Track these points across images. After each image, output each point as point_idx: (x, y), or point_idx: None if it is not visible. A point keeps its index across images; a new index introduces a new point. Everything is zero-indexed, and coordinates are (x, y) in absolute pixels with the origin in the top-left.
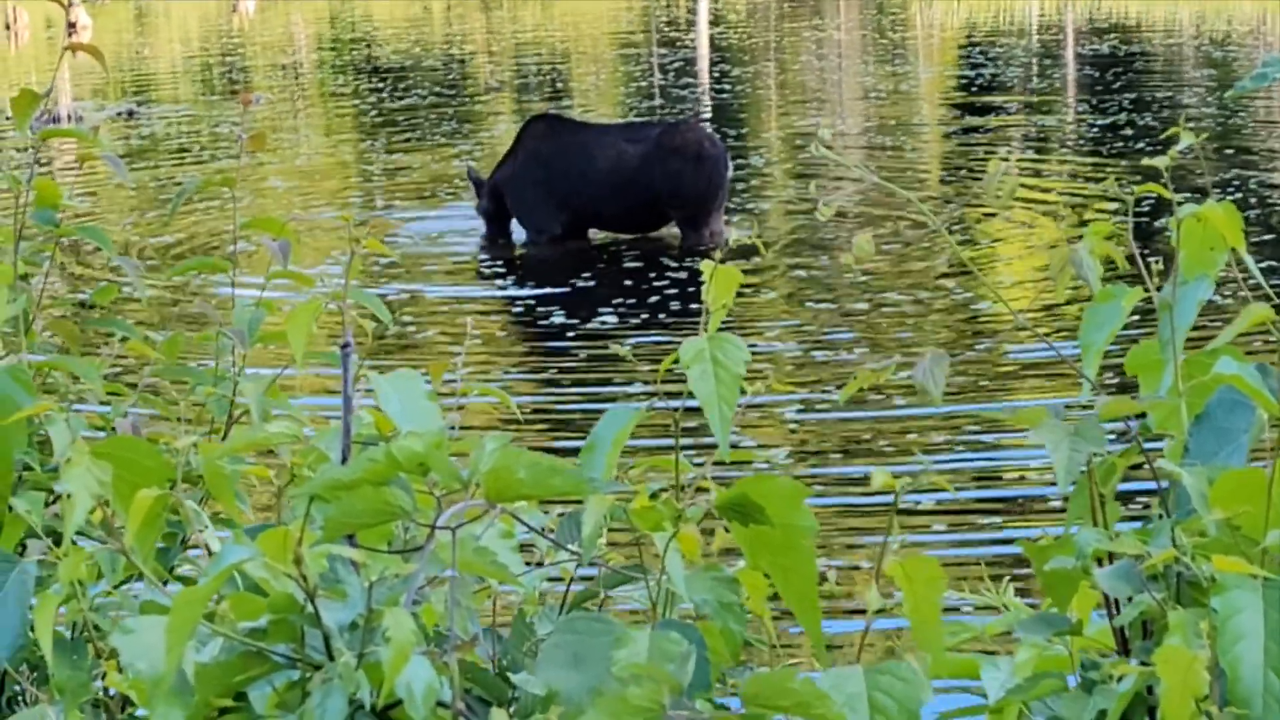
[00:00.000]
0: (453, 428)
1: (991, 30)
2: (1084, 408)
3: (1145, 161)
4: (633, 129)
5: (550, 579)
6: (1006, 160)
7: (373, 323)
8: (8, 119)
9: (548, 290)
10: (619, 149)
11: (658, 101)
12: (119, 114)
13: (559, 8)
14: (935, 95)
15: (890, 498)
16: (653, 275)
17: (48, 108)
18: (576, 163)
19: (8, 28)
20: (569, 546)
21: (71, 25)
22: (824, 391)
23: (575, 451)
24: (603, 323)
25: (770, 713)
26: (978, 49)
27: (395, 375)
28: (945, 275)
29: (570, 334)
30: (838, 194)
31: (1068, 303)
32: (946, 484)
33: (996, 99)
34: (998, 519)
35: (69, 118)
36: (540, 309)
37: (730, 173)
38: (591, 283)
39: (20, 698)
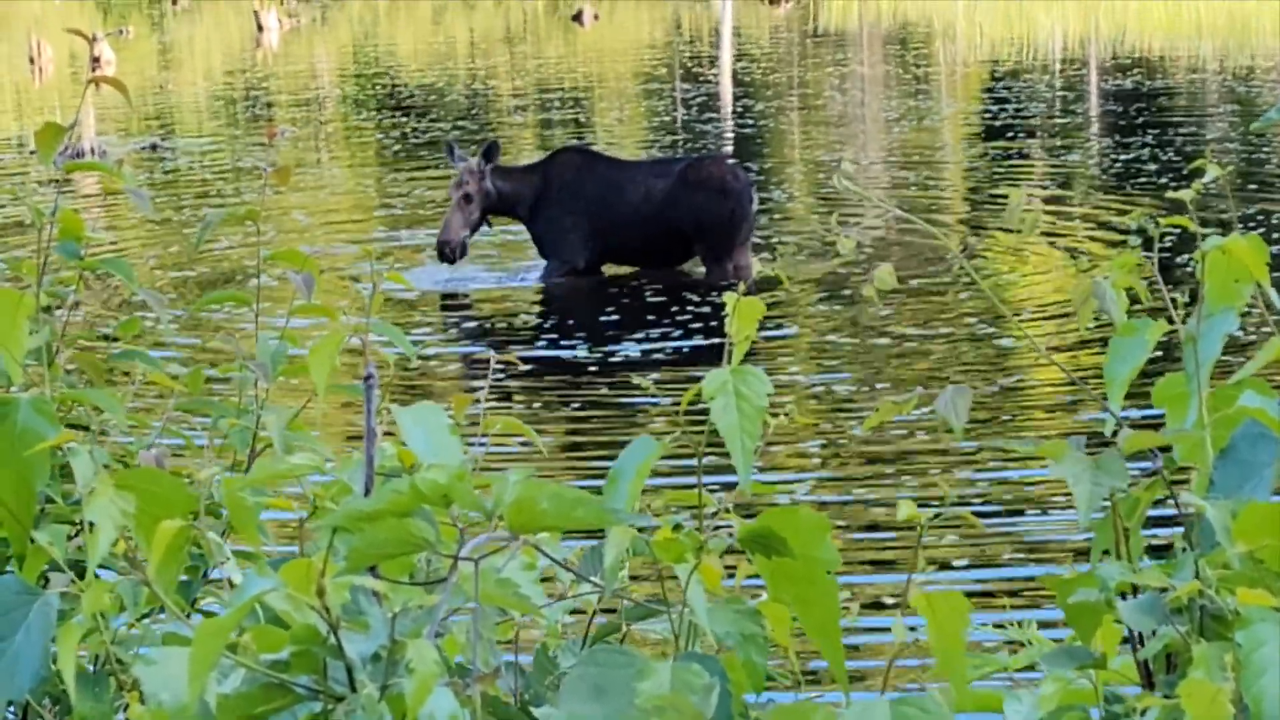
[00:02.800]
0: (475, 462)
1: (1015, 65)
2: (1107, 442)
3: (1170, 194)
4: (659, 164)
5: (573, 611)
6: (1031, 197)
7: (396, 355)
8: (32, 152)
9: (571, 323)
10: (646, 184)
11: (681, 136)
12: (142, 148)
13: (582, 42)
14: (958, 130)
15: (914, 530)
16: (675, 309)
17: (72, 141)
18: (608, 196)
19: (32, 61)
20: (591, 579)
21: (95, 59)
22: (847, 425)
23: (598, 485)
24: (626, 356)
25: None
26: (1001, 84)
27: (417, 408)
28: (966, 309)
29: (593, 367)
30: (858, 228)
31: (1083, 342)
32: (970, 516)
33: (1019, 134)
34: (1021, 552)
35: (93, 151)
36: (564, 342)
37: (755, 206)
38: (615, 316)
39: None
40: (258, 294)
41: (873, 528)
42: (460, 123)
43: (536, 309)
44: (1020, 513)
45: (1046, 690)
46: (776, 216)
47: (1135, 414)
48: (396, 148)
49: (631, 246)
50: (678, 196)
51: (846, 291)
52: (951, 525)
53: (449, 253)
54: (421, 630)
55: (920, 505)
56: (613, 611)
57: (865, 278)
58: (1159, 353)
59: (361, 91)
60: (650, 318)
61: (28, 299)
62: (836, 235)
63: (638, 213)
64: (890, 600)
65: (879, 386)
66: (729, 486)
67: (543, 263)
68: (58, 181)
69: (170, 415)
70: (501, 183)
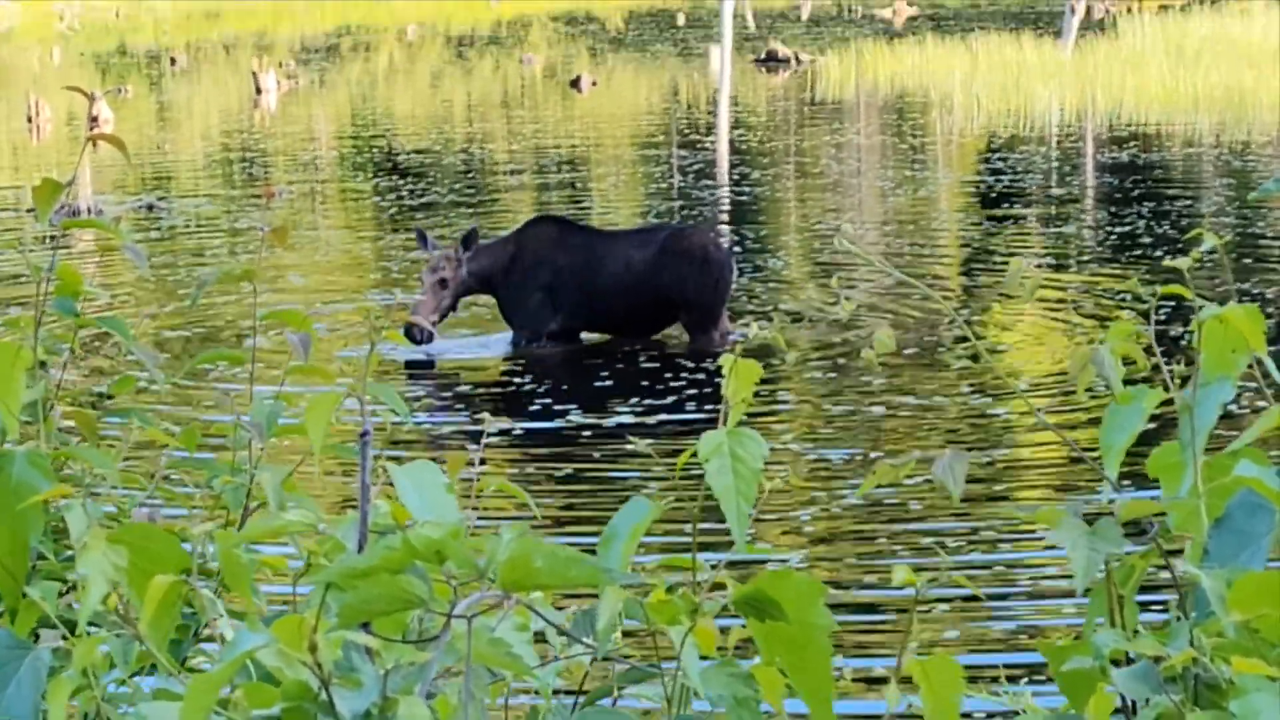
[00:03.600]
0: (469, 522)
1: (1011, 137)
2: (1103, 510)
3: (1167, 263)
4: (639, 233)
5: (565, 673)
6: (1034, 267)
7: (392, 415)
8: (29, 210)
9: (565, 389)
10: (627, 254)
11: (677, 203)
12: (139, 207)
13: (580, 107)
14: (954, 200)
15: (907, 597)
16: (669, 376)
17: (69, 199)
18: (586, 266)
19: (30, 120)
20: (584, 640)
21: (94, 118)
22: (841, 490)
23: (592, 548)
24: (620, 422)
25: None
26: (997, 155)
27: (412, 466)
28: (962, 377)
29: (587, 432)
30: (855, 294)
31: (1079, 409)
32: (966, 581)
33: (1016, 204)
34: (1015, 620)
35: (89, 210)
36: (557, 407)
37: (735, 275)
38: (609, 382)
39: None
40: (253, 353)
41: (867, 591)
42: (456, 186)
43: (530, 375)
44: (1014, 582)
45: None
46: (773, 284)
47: (1129, 482)
48: (393, 210)
49: (612, 316)
50: (661, 267)
51: (842, 359)
52: (944, 587)
53: (418, 335)
54: (413, 688)
55: (915, 570)
56: (606, 673)
57: (862, 343)
58: (1153, 424)
59: (359, 154)
60: (644, 384)
61: (25, 352)
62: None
63: (619, 283)
64: (884, 666)
65: (874, 454)
66: (723, 549)
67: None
68: (55, 238)
69: (163, 473)
70: (475, 264)
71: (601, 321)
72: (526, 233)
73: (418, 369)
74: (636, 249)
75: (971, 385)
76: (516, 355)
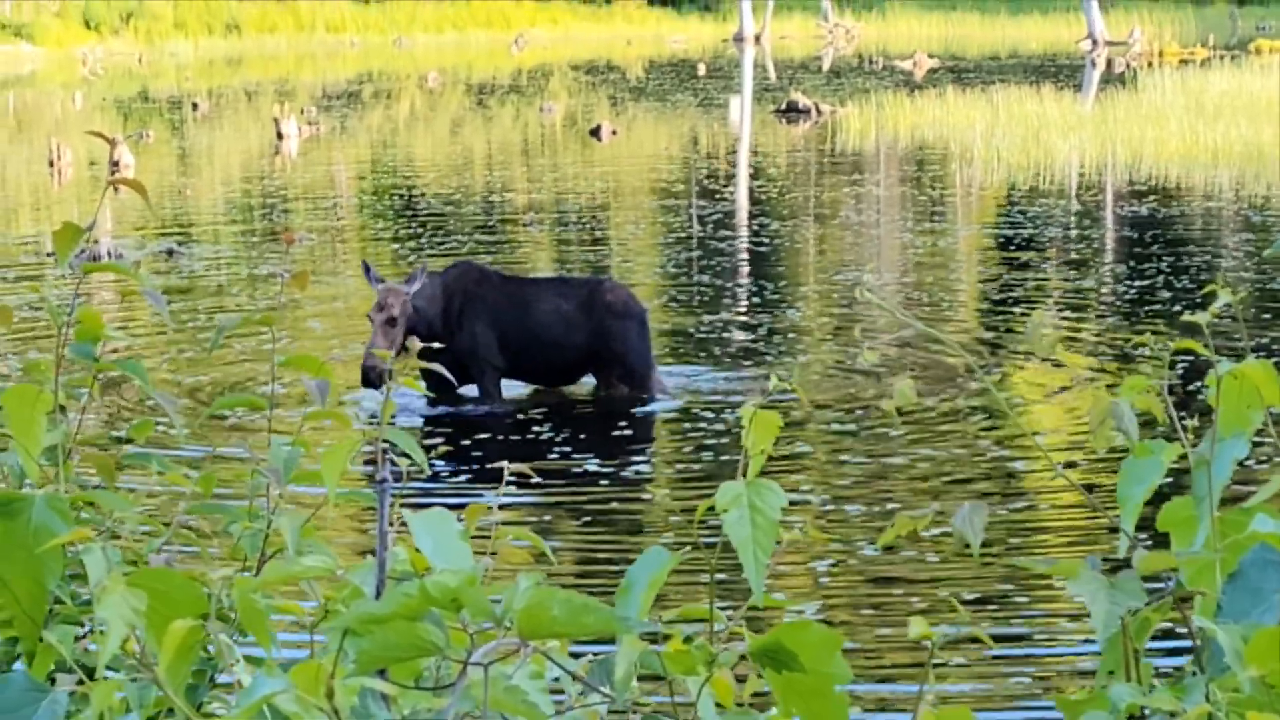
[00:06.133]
0: (486, 570)
1: (1031, 189)
2: (1120, 563)
3: (1185, 318)
4: (564, 283)
5: None
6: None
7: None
8: (49, 254)
9: (584, 436)
10: (553, 303)
11: (696, 253)
12: (159, 252)
13: (600, 156)
14: (973, 252)
15: (924, 649)
16: (687, 425)
17: (89, 244)
18: (516, 313)
19: (51, 164)
20: (601, 689)
21: (115, 163)
22: (860, 541)
23: (609, 597)
24: (638, 471)
25: None
26: (1016, 208)
27: (429, 514)
28: (980, 429)
29: (605, 480)
30: (876, 344)
31: (1097, 462)
32: (982, 634)
33: (1035, 257)
34: (1031, 673)
35: (109, 255)
36: (576, 455)
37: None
38: (628, 430)
39: None
40: (271, 399)
41: (884, 643)
42: (476, 234)
43: (549, 423)
44: (1029, 637)
45: None
46: (792, 335)
47: (1145, 535)
48: (413, 257)
49: (533, 365)
50: (585, 319)
51: (861, 410)
52: (960, 641)
53: (375, 378)
54: None
55: (931, 624)
56: None
57: (881, 395)
58: (1167, 479)
59: (379, 200)
60: (663, 433)
61: (45, 396)
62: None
63: (545, 332)
64: (900, 719)
65: (892, 505)
66: (740, 599)
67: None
68: (75, 283)
69: (181, 518)
70: (412, 314)
71: (524, 369)
72: (448, 275)
73: (436, 416)
74: (562, 299)
75: (990, 437)
76: (519, 402)
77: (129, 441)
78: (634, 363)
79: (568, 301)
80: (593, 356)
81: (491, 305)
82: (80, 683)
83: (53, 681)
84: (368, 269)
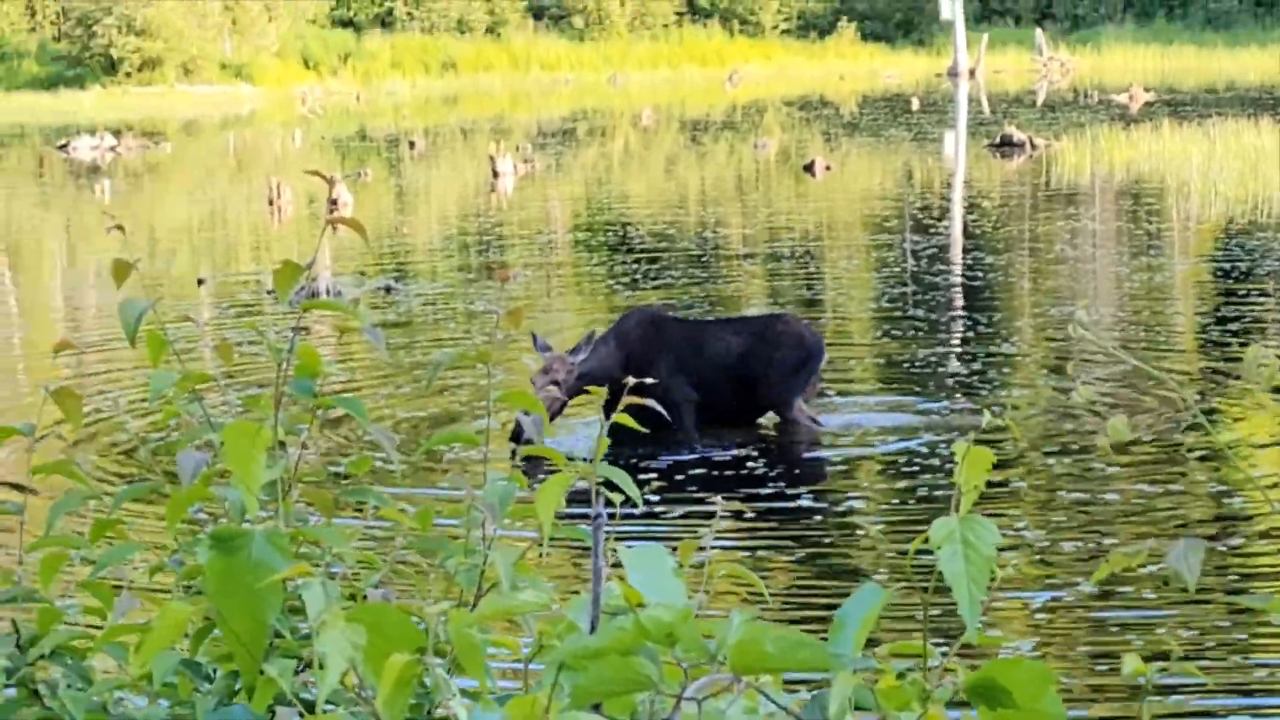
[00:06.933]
0: (699, 605)
1: (1249, 223)
2: None
3: None
4: (742, 321)
5: None
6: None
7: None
8: (269, 292)
9: (798, 471)
10: (731, 340)
11: (910, 288)
12: (377, 289)
13: (813, 192)
14: (1191, 287)
15: (1139, 686)
16: (902, 460)
17: (308, 281)
18: (696, 353)
19: (271, 202)
20: None
21: (333, 201)
22: (1074, 578)
23: (823, 633)
24: (850, 507)
25: None
26: (1234, 241)
27: (643, 549)
28: (1200, 464)
29: (817, 516)
30: (1091, 380)
31: None
32: (1197, 671)
33: (1253, 292)
34: (1249, 712)
35: (328, 292)
36: (789, 490)
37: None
38: (841, 465)
39: None
40: (487, 434)
41: (1098, 680)
42: (690, 270)
43: (764, 458)
44: (1248, 673)
45: None
46: (1004, 370)
47: None
48: (627, 294)
49: (720, 403)
50: (756, 352)
51: (1076, 446)
52: (1177, 677)
53: (521, 436)
54: None
55: (1146, 660)
56: None
57: (1095, 431)
58: None
59: (593, 237)
60: (877, 469)
61: (265, 432)
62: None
63: (727, 369)
64: None
65: (1107, 542)
66: (954, 635)
67: None
68: (295, 319)
69: (398, 554)
70: (585, 366)
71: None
72: (622, 327)
73: (649, 452)
74: (735, 336)
75: (1207, 473)
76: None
77: (347, 477)
78: (777, 386)
79: (745, 338)
80: (759, 390)
81: (672, 348)
82: (300, 716)
83: (273, 715)
84: (535, 338)
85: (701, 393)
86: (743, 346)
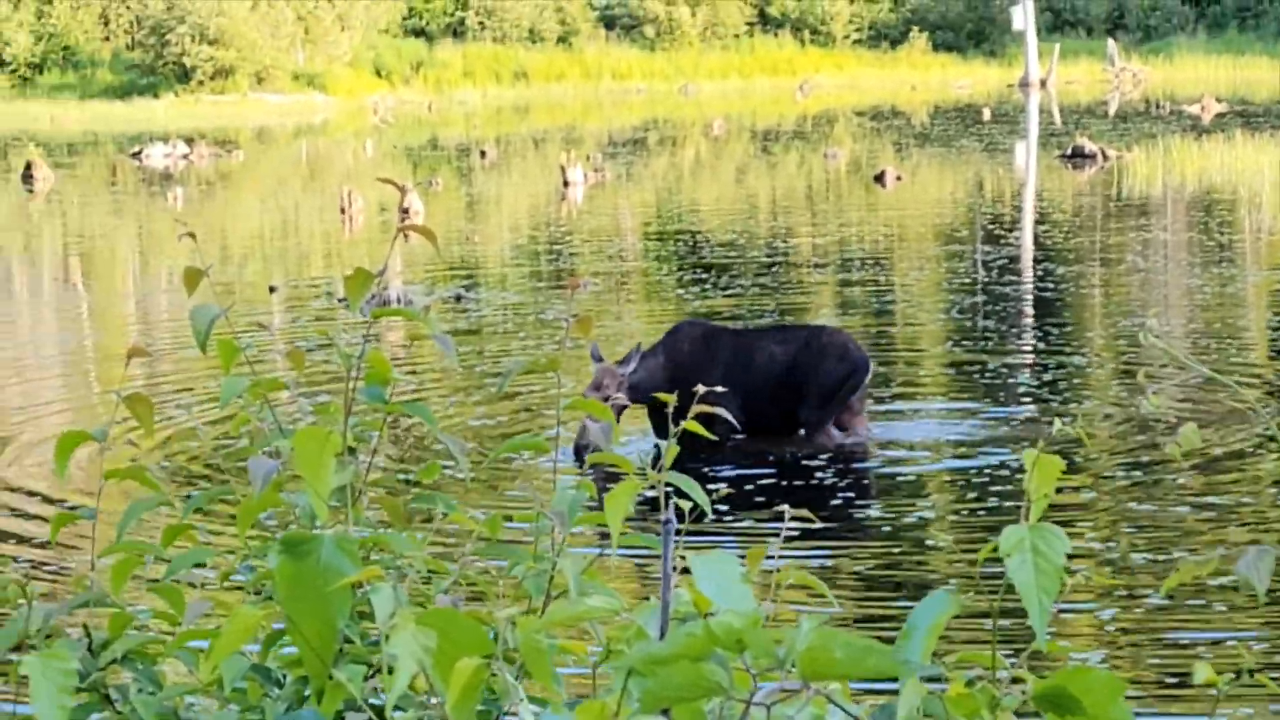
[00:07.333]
0: (768, 613)
1: None
2: None
3: None
4: (786, 330)
5: None
6: None
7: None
8: (340, 299)
9: (864, 482)
10: (775, 350)
11: (981, 298)
12: (447, 297)
13: (884, 202)
14: (1263, 298)
15: (1210, 696)
16: (972, 470)
17: (379, 289)
18: (743, 364)
19: (343, 210)
20: None
21: (404, 209)
22: (1144, 588)
23: (891, 640)
24: (919, 516)
25: None
26: None
27: (711, 555)
28: (1268, 474)
29: (885, 525)
30: (1160, 392)
31: None
32: (1270, 681)
33: None
34: None
35: (399, 300)
36: (858, 500)
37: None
38: (911, 476)
39: None
40: (557, 442)
41: (1168, 690)
42: (760, 279)
43: (832, 468)
44: None
45: None
46: (1075, 379)
47: None
48: (696, 303)
49: (766, 414)
50: (803, 363)
51: (1146, 455)
52: (1249, 687)
53: (581, 453)
54: None
55: (1217, 671)
56: None
57: (1166, 440)
58: None
59: (663, 246)
60: (946, 479)
61: (335, 437)
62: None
63: (772, 379)
64: None
65: (1177, 552)
66: (1023, 644)
67: None
68: (366, 327)
69: (467, 560)
70: (634, 377)
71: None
72: (673, 338)
73: (717, 460)
74: (779, 345)
75: (1277, 482)
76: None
77: (417, 484)
78: (815, 397)
79: (790, 347)
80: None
81: (720, 359)
82: None
83: (342, 719)
84: (593, 350)
85: (747, 402)
86: (788, 356)
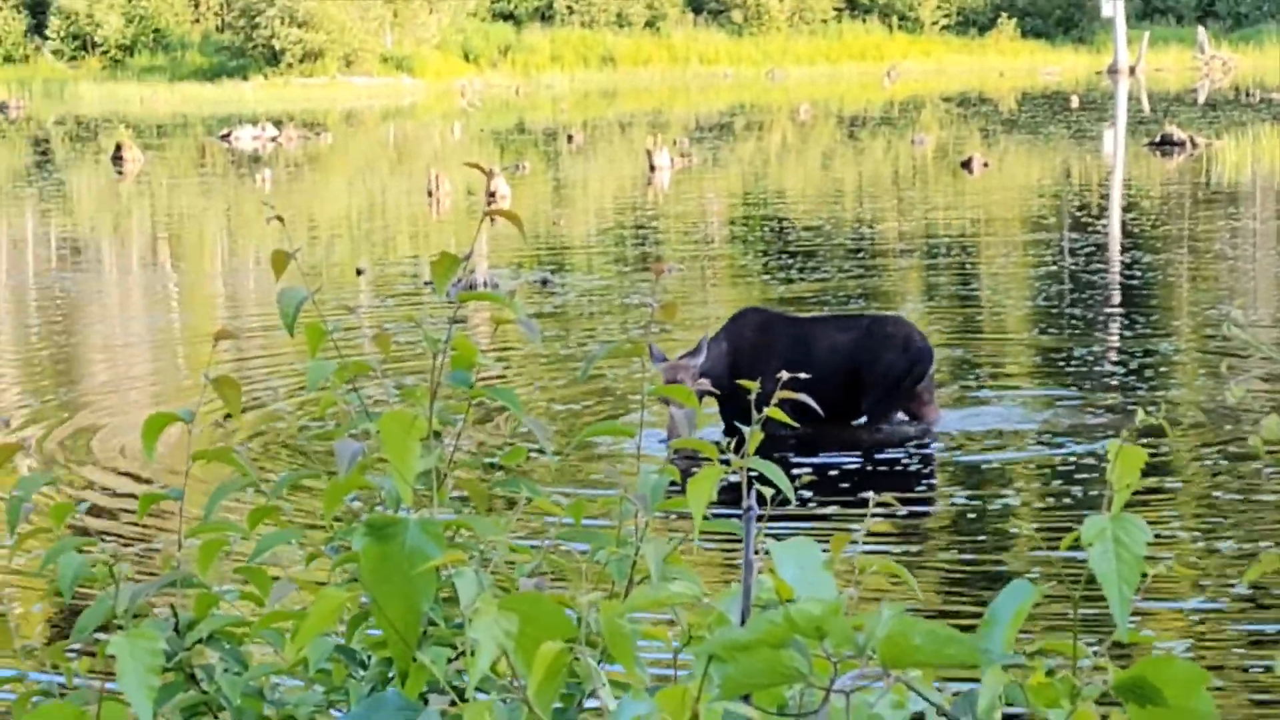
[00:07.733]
0: (850, 600)
1: None
2: None
3: None
4: (849, 319)
5: None
6: None
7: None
8: (426, 283)
9: (951, 470)
10: (838, 338)
11: (1067, 285)
12: (533, 281)
13: (970, 188)
14: None
15: None
16: (1056, 458)
17: (465, 273)
18: (803, 352)
19: (430, 194)
20: None
21: (491, 194)
22: (1227, 578)
23: (972, 630)
24: (1004, 505)
25: None
26: None
27: (793, 543)
28: None
29: (971, 515)
30: (1246, 380)
31: None
32: None
33: None
34: None
35: (485, 284)
36: (944, 488)
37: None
38: (995, 464)
39: None
40: (641, 426)
41: (1252, 680)
42: (846, 265)
43: (917, 457)
44: None
45: None
46: (1160, 368)
47: None
48: (782, 289)
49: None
50: (866, 351)
51: (1230, 445)
52: None
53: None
54: None
55: None
56: None
57: (1252, 431)
58: None
59: (749, 231)
60: (1030, 466)
61: (420, 421)
62: (1229, 383)
63: (823, 367)
64: None
65: (1262, 543)
66: (1104, 633)
67: None
68: (452, 310)
69: (550, 544)
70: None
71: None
72: (735, 325)
73: (801, 446)
74: (841, 333)
75: None
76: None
77: (502, 468)
78: (878, 387)
79: (853, 334)
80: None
81: (779, 348)
82: (452, 703)
83: (425, 701)
84: (651, 349)
85: (808, 390)
86: (850, 345)
